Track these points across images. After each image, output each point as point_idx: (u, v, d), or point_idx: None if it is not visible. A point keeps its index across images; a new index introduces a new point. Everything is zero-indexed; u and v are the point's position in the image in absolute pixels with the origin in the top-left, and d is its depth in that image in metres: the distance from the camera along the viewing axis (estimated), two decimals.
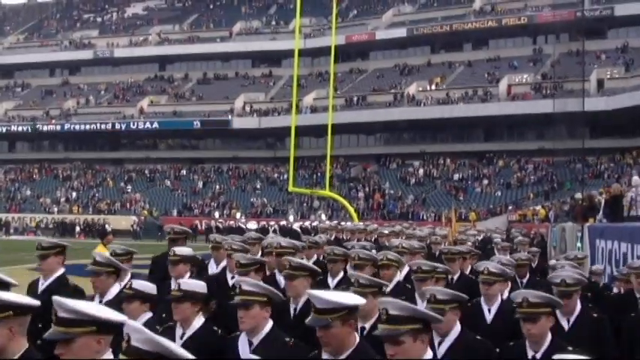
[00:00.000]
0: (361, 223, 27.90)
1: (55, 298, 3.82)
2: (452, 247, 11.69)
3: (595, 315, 7.13)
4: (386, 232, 18.11)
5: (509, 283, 8.69)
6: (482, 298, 7.47)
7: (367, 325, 5.97)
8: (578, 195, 30.51)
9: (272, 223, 47.28)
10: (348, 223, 29.08)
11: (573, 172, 55.50)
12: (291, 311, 6.74)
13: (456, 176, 63.19)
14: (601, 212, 22.70)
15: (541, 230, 33.25)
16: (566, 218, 33.25)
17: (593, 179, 52.57)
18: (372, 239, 17.48)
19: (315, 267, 7.25)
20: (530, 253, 13.54)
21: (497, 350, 6.03)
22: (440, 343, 5.73)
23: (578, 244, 18.75)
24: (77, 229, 64.07)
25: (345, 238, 19.19)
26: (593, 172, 55.59)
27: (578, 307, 7.05)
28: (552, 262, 11.78)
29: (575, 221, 23.45)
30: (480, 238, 23.90)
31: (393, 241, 13.46)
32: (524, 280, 10.77)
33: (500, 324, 7.16)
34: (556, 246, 23.83)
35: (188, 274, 7.99)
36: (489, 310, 7.37)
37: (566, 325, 6.94)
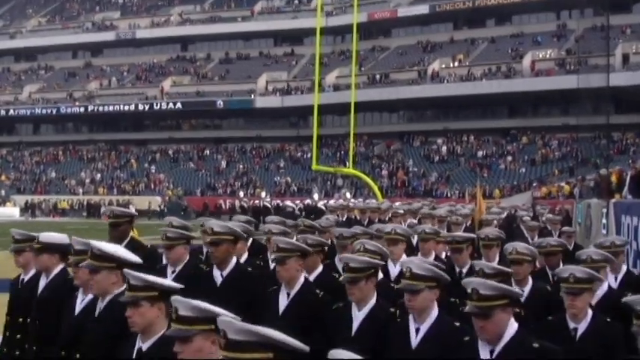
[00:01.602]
0: (373, 201, 26.48)
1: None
2: (457, 235, 8.87)
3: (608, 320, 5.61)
4: (401, 211, 15.82)
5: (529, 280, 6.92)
6: (410, 315, 5.18)
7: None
8: (604, 171, 30.33)
9: (297, 201, 47.29)
10: (369, 201, 27.75)
11: (598, 148, 55.07)
12: (96, 311, 5.20)
13: (480, 153, 62.91)
14: (626, 188, 22.50)
15: (566, 207, 33.04)
16: (591, 194, 33.04)
17: (619, 155, 52.24)
18: (387, 218, 15.50)
19: (134, 258, 5.11)
20: (565, 234, 11.85)
21: None
22: None
23: (604, 221, 18.62)
24: (103, 210, 64.40)
25: (357, 218, 17.05)
26: (619, 147, 55.22)
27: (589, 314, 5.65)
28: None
29: (600, 197, 23.31)
30: (503, 216, 22.18)
31: (386, 225, 9.97)
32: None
33: (428, 349, 5.02)
34: (581, 223, 23.72)
35: (59, 268, 6.37)
36: (417, 330, 5.10)
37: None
